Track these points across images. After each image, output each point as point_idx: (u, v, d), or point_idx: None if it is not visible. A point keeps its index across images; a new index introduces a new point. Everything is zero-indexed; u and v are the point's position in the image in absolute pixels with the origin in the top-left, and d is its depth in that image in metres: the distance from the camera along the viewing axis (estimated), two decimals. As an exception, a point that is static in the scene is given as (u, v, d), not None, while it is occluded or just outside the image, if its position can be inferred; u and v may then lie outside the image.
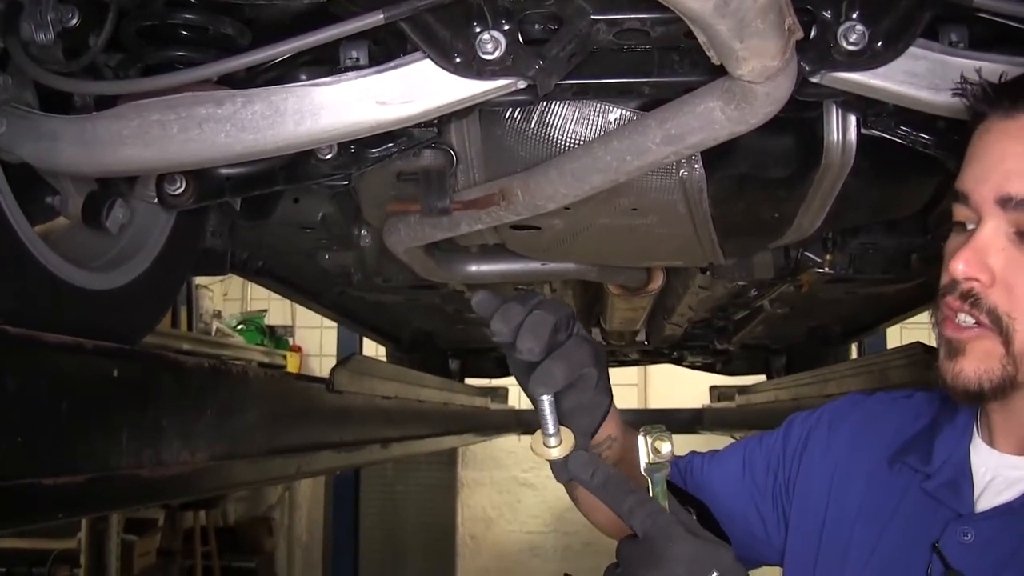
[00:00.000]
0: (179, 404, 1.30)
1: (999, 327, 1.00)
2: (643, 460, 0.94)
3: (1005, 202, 0.99)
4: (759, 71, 1.00)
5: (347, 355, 2.35)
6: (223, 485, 1.57)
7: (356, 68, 1.22)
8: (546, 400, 0.98)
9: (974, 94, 1.06)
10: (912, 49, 1.16)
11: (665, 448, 0.94)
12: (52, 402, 1.02)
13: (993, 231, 1.00)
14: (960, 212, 1.05)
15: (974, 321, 1.01)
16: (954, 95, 1.13)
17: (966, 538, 1.03)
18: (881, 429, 1.21)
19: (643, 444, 0.94)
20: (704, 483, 1.33)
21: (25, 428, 0.97)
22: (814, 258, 2.25)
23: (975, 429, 1.12)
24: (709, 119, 1.14)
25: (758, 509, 1.29)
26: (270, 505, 7.72)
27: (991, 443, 1.09)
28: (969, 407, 1.12)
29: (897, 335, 4.83)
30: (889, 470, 1.16)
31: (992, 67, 1.16)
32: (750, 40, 0.95)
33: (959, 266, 1.01)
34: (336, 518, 6.38)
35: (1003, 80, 1.06)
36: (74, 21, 1.20)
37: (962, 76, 1.11)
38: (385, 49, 1.26)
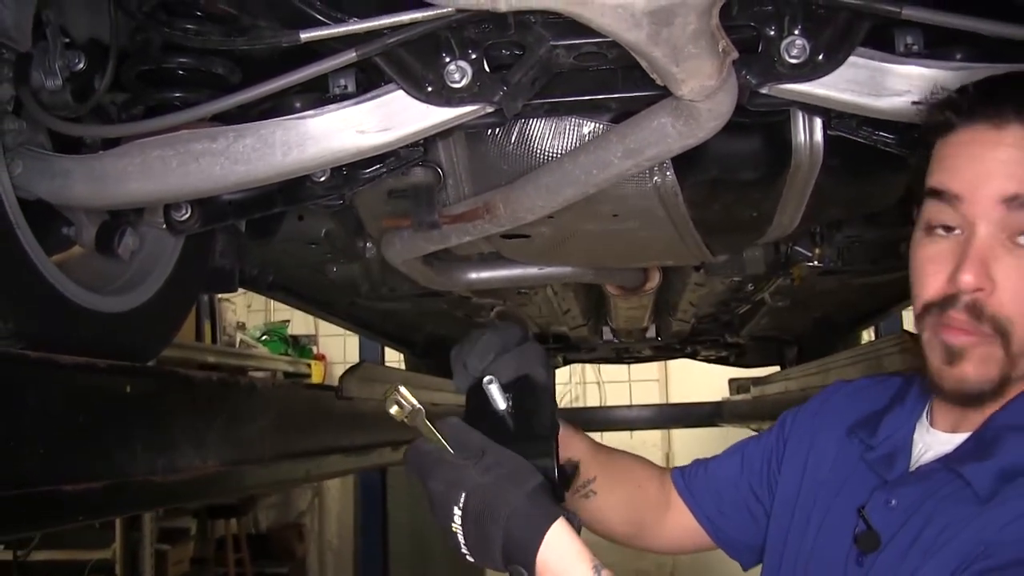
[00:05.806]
0: (189, 416, 1.40)
1: (1000, 332, 1.00)
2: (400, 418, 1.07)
3: (1011, 200, 0.98)
4: (698, 90, 1.07)
5: (355, 363, 2.44)
6: (234, 488, 1.66)
7: (344, 96, 1.31)
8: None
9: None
10: (852, 58, 1.23)
11: (396, 409, 1.07)
12: (70, 416, 1.12)
13: (991, 236, 0.99)
14: (942, 214, 1.03)
15: (971, 330, 1.01)
16: (913, 104, 1.17)
17: (892, 504, 1.09)
18: (854, 408, 1.28)
19: (392, 409, 1.07)
20: (708, 482, 1.42)
21: (47, 440, 1.07)
22: (804, 252, 2.30)
23: (925, 411, 1.19)
24: (663, 133, 1.21)
25: (757, 498, 1.37)
26: (300, 511, 7.83)
27: (932, 424, 1.16)
28: (924, 394, 1.19)
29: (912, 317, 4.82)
30: (848, 442, 1.23)
31: (930, 72, 1.24)
32: (686, 63, 1.02)
33: (966, 278, 0.99)
34: (365, 522, 6.46)
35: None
36: (81, 65, 1.30)
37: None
38: (370, 77, 1.35)
